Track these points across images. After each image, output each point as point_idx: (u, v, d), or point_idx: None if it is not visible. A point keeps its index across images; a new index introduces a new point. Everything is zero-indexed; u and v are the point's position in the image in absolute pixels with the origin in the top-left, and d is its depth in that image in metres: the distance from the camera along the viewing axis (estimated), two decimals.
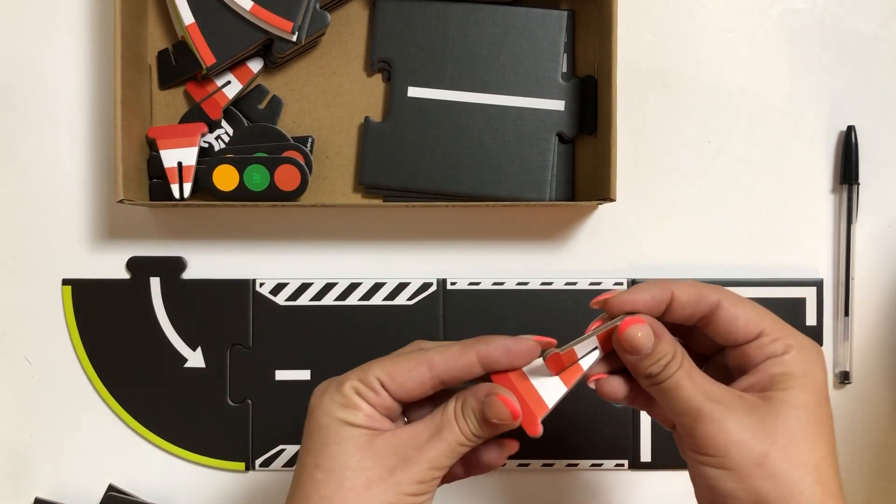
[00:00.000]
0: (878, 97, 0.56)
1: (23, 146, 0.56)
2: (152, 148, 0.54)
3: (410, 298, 0.55)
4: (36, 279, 0.56)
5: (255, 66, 0.54)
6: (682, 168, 0.57)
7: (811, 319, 0.56)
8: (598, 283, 0.56)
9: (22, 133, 0.56)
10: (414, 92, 0.54)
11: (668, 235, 0.57)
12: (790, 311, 0.55)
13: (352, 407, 0.39)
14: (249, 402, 0.55)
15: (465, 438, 0.39)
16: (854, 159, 0.56)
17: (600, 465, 0.56)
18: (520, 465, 0.55)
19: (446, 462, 0.39)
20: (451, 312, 0.55)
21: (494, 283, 0.56)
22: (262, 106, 0.55)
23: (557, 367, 0.40)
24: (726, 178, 0.57)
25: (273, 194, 0.53)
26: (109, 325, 0.55)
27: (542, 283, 0.56)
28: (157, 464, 0.56)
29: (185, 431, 0.55)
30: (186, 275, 0.56)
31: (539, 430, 0.39)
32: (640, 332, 0.38)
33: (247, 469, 0.56)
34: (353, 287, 0.55)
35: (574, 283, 0.56)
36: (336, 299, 0.55)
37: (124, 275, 0.56)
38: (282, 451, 0.55)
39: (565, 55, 0.54)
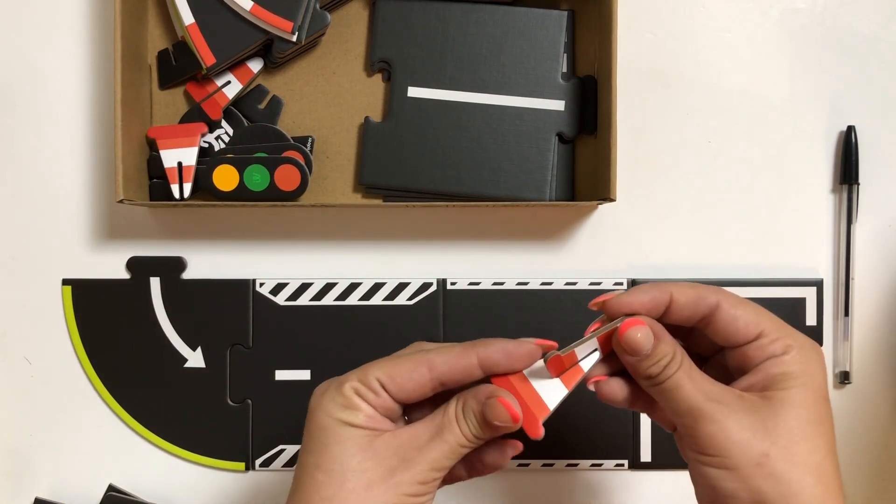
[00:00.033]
0: (878, 97, 0.56)
1: (23, 146, 0.56)
2: (152, 148, 0.54)
3: (410, 298, 0.55)
4: (36, 279, 0.56)
5: (255, 66, 0.54)
6: (682, 168, 0.57)
7: (811, 319, 0.56)
8: (598, 283, 0.56)
9: (22, 133, 0.56)
10: (414, 92, 0.54)
11: (668, 235, 0.57)
12: (790, 311, 0.55)
13: (352, 408, 0.39)
14: (249, 402, 0.55)
15: (466, 440, 0.39)
16: (854, 159, 0.56)
17: (600, 465, 0.56)
18: (520, 465, 0.55)
19: (447, 463, 0.39)
20: (451, 312, 0.55)
21: (494, 283, 0.56)
22: (262, 106, 0.55)
23: (558, 369, 0.40)
24: (726, 178, 0.57)
25: (273, 194, 0.53)
26: (109, 325, 0.55)
27: (542, 283, 0.56)
28: (157, 464, 0.56)
29: (185, 431, 0.55)
30: (186, 275, 0.56)
31: (540, 433, 0.39)
32: (640, 334, 0.38)
33: (247, 469, 0.56)
34: (353, 287, 0.55)
35: (574, 283, 0.56)
36: (336, 299, 0.55)
37: (124, 275, 0.56)
38: (282, 451, 0.55)
39: (565, 55, 0.54)
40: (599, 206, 0.56)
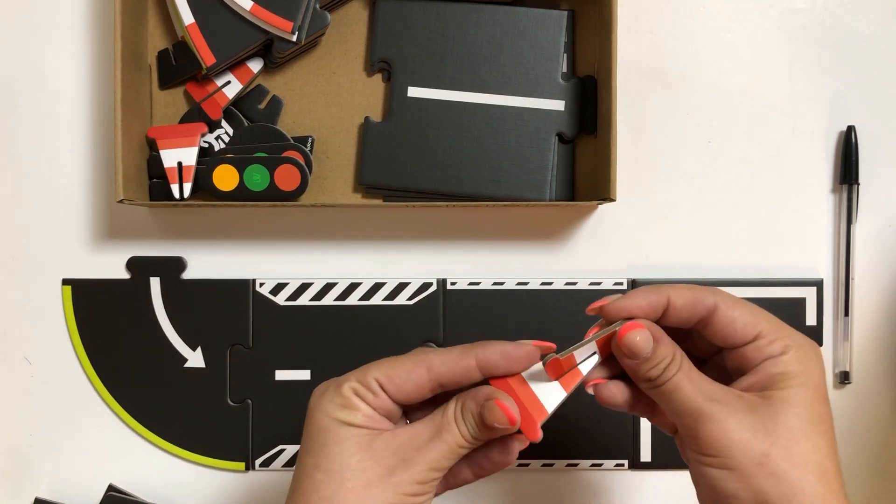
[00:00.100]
0: (878, 97, 0.56)
1: (23, 146, 0.56)
2: (152, 148, 0.54)
3: (410, 298, 0.55)
4: (36, 279, 0.56)
5: (255, 66, 0.54)
6: (682, 168, 0.57)
7: (811, 319, 0.56)
8: (598, 283, 0.56)
9: (22, 133, 0.56)
10: (414, 92, 0.54)
11: (668, 235, 0.57)
12: (790, 311, 0.55)
13: (350, 408, 0.39)
14: (249, 402, 0.55)
15: (464, 440, 0.39)
16: (854, 159, 0.56)
17: (600, 465, 0.56)
18: (520, 465, 0.55)
19: (446, 463, 0.39)
20: (451, 312, 0.55)
21: (494, 283, 0.56)
22: (262, 106, 0.55)
23: (557, 372, 0.40)
24: (726, 178, 0.57)
25: (273, 194, 0.53)
26: (109, 325, 0.55)
27: (542, 283, 0.56)
28: (157, 464, 0.56)
29: (185, 431, 0.55)
30: (186, 275, 0.56)
31: (539, 436, 0.39)
32: (640, 337, 0.38)
33: (247, 469, 0.56)
34: (353, 287, 0.55)
35: (574, 283, 0.56)
36: (336, 299, 0.55)
37: (124, 275, 0.56)
38: (282, 451, 0.55)
39: (565, 55, 0.54)
40: (599, 206, 0.56)
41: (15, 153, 0.56)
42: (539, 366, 0.40)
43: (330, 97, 0.55)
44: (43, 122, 0.56)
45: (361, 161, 0.55)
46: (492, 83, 0.54)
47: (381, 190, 0.55)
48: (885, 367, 0.57)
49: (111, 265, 0.56)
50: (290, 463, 0.55)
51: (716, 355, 0.42)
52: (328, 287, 0.55)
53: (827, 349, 0.56)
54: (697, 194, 0.57)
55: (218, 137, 0.55)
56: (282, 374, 0.55)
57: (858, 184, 0.56)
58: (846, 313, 0.56)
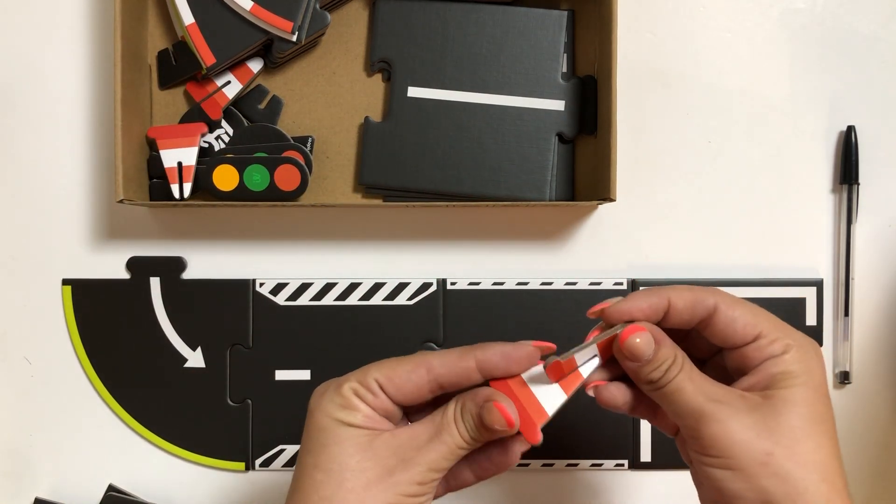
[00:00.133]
0: (878, 97, 0.56)
1: (23, 146, 0.56)
2: (152, 148, 0.54)
3: (410, 298, 0.55)
4: (36, 279, 0.56)
5: (255, 66, 0.54)
6: (682, 168, 0.57)
7: (811, 319, 0.56)
8: (598, 283, 0.56)
9: (22, 133, 0.56)
10: (414, 92, 0.54)
11: (668, 235, 0.57)
12: (790, 311, 0.55)
13: (350, 408, 0.39)
14: (249, 402, 0.55)
15: (464, 441, 0.39)
16: (854, 159, 0.56)
17: (600, 465, 0.56)
18: (520, 465, 0.55)
19: (445, 464, 0.39)
20: (451, 312, 0.55)
21: (494, 283, 0.56)
22: (262, 106, 0.55)
23: (557, 374, 0.39)
24: (726, 178, 0.57)
25: (273, 194, 0.53)
26: (109, 325, 0.55)
27: (542, 283, 0.56)
28: (157, 464, 0.56)
29: (185, 431, 0.55)
30: (186, 275, 0.56)
31: (538, 438, 0.39)
32: (641, 340, 0.38)
33: (247, 469, 0.56)
34: (353, 287, 0.55)
35: (574, 283, 0.56)
36: (336, 299, 0.55)
37: (124, 275, 0.56)
38: (282, 451, 0.55)
39: (565, 55, 0.54)
40: (599, 206, 0.56)
41: (15, 153, 0.56)
42: (539, 368, 0.40)
43: (330, 97, 0.55)
44: (43, 122, 0.56)
45: (361, 161, 0.55)
46: (492, 83, 0.54)
47: (381, 190, 0.55)
48: (885, 367, 0.57)
49: (111, 265, 0.56)
50: (290, 463, 0.55)
51: (715, 356, 0.42)
52: (328, 287, 0.55)
53: (827, 349, 0.56)
54: (697, 194, 0.57)
55: (218, 137, 0.55)
56: (282, 374, 0.55)
57: (858, 184, 0.56)
58: (846, 313, 0.56)
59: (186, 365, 0.55)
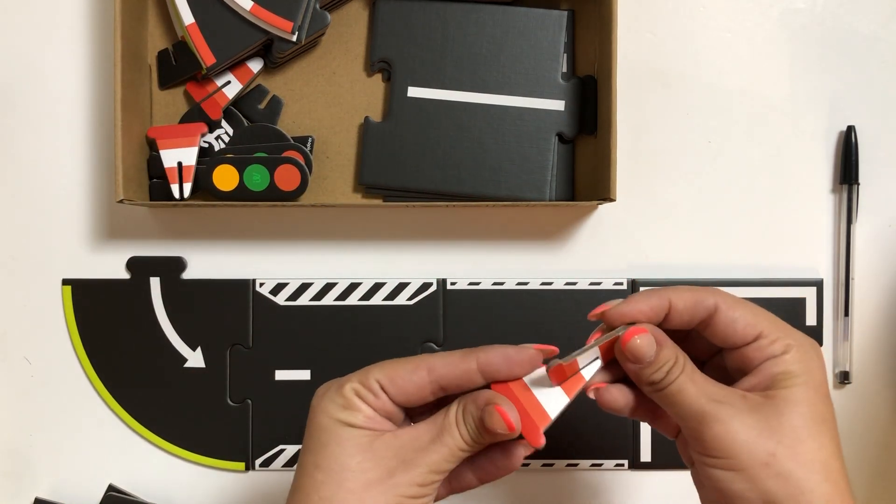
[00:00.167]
0: (878, 97, 0.56)
1: (23, 146, 0.56)
2: (152, 148, 0.54)
3: (410, 298, 0.55)
4: (36, 279, 0.56)
5: (255, 66, 0.54)
6: (682, 168, 0.57)
7: (811, 319, 0.56)
8: (598, 283, 0.56)
9: (22, 133, 0.56)
10: (414, 92, 0.54)
11: (668, 235, 0.57)
12: (790, 311, 0.55)
13: (351, 408, 0.39)
14: (249, 402, 0.55)
15: (465, 444, 0.38)
16: (854, 159, 0.56)
17: (600, 465, 0.56)
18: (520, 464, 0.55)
19: (446, 466, 0.38)
20: (451, 312, 0.55)
21: (494, 283, 0.56)
22: (262, 106, 0.55)
23: (560, 377, 0.39)
24: (726, 178, 0.57)
25: (273, 194, 0.53)
26: (109, 325, 0.55)
27: (542, 283, 0.56)
28: (157, 464, 0.56)
29: (185, 431, 0.55)
30: (186, 275, 0.56)
31: (541, 442, 0.39)
32: (643, 341, 0.38)
33: (247, 469, 0.56)
34: (353, 287, 0.55)
35: (574, 283, 0.56)
36: (336, 299, 0.55)
37: (124, 275, 0.56)
38: (282, 451, 0.55)
39: (565, 55, 0.54)
40: (599, 206, 0.56)
41: (15, 153, 0.56)
42: (542, 371, 0.40)
43: (330, 97, 0.55)
44: (43, 122, 0.56)
45: (361, 161, 0.55)
46: (492, 83, 0.54)
47: (381, 190, 0.55)
48: (885, 367, 0.57)
49: (111, 265, 0.56)
50: (290, 463, 0.55)
51: (715, 356, 0.42)
52: (328, 287, 0.55)
53: (827, 349, 0.56)
54: (697, 194, 0.57)
55: (218, 137, 0.55)
56: (282, 374, 0.55)
57: (858, 184, 0.56)
58: (846, 313, 0.56)
59: (186, 365, 0.55)
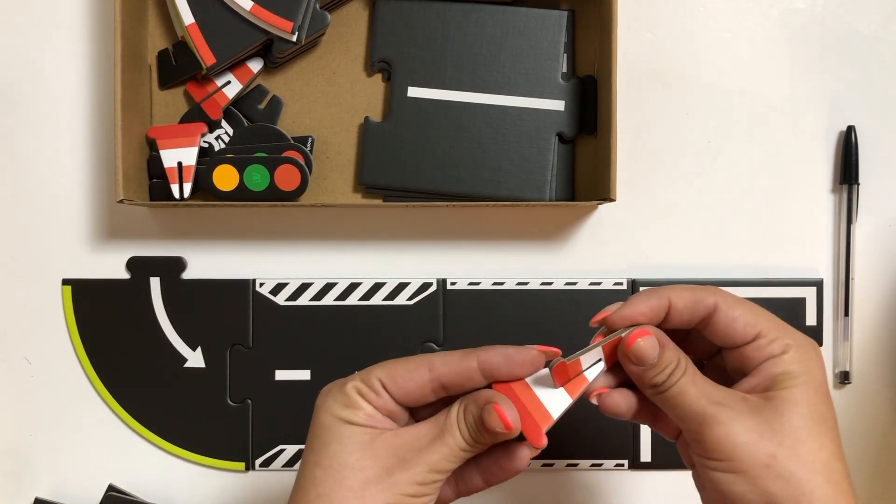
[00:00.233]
0: (878, 97, 0.56)
1: (23, 146, 0.56)
2: (152, 148, 0.54)
3: (410, 298, 0.55)
4: (36, 279, 0.56)
5: (255, 66, 0.54)
6: (682, 168, 0.57)
7: (811, 319, 0.56)
8: (598, 283, 0.56)
9: (22, 133, 0.56)
10: (414, 92, 0.54)
11: (668, 235, 0.57)
12: (790, 311, 0.55)
13: (353, 406, 0.39)
14: (249, 402, 0.55)
15: (466, 443, 0.38)
16: (854, 159, 0.56)
17: (600, 465, 0.56)
18: None
19: (447, 466, 0.38)
20: (451, 312, 0.55)
21: (494, 283, 0.56)
22: (262, 106, 0.55)
23: (562, 377, 0.39)
24: (726, 178, 0.57)
25: (273, 194, 0.53)
26: (109, 325, 0.55)
27: (542, 283, 0.56)
28: (157, 464, 0.56)
29: (185, 431, 0.55)
30: (186, 275, 0.56)
31: (543, 442, 0.39)
32: (647, 343, 0.38)
33: (247, 469, 0.56)
34: (353, 287, 0.55)
35: (574, 283, 0.56)
36: (336, 299, 0.55)
37: (124, 275, 0.56)
38: (282, 451, 0.55)
39: (565, 55, 0.54)
40: (599, 206, 0.56)
41: (15, 153, 0.56)
42: (545, 371, 0.39)
43: (330, 97, 0.55)
44: (43, 122, 0.56)
45: (361, 161, 0.55)
46: (492, 83, 0.54)
47: (381, 190, 0.55)
48: (885, 367, 0.57)
49: (111, 265, 0.56)
50: (290, 463, 0.55)
51: (715, 356, 0.42)
52: (328, 287, 0.55)
53: (827, 349, 0.56)
54: (697, 194, 0.57)
55: (218, 137, 0.55)
56: (282, 374, 0.55)
57: (858, 184, 0.56)
58: (846, 313, 0.56)
59: (186, 365, 0.55)
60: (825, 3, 0.56)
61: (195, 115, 0.55)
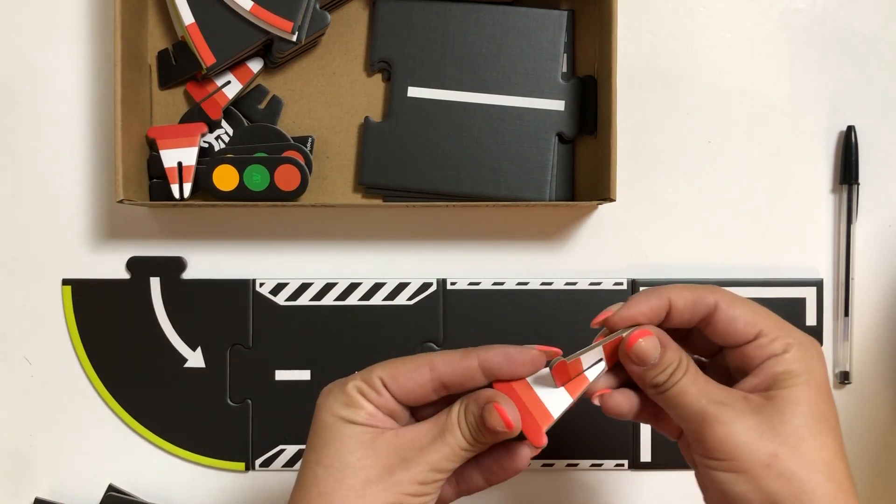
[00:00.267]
0: (878, 97, 0.56)
1: (23, 146, 0.56)
2: (152, 148, 0.54)
3: (410, 298, 0.55)
4: (36, 279, 0.56)
5: (255, 66, 0.54)
6: (682, 168, 0.57)
7: (811, 319, 0.56)
8: (598, 283, 0.56)
9: (22, 133, 0.56)
10: (414, 92, 0.54)
11: (668, 235, 0.57)
12: (790, 311, 0.55)
13: (354, 406, 0.39)
14: (249, 402, 0.55)
15: (467, 443, 0.38)
16: (854, 159, 0.56)
17: (600, 465, 0.56)
18: None
19: (448, 465, 0.38)
20: (451, 312, 0.55)
21: (494, 283, 0.56)
22: (262, 106, 0.55)
23: (563, 377, 0.39)
24: (726, 178, 0.57)
25: (273, 194, 0.53)
26: (109, 325, 0.55)
27: (542, 283, 0.56)
28: (157, 464, 0.56)
29: (185, 431, 0.55)
30: (186, 275, 0.56)
31: (543, 442, 0.39)
32: (648, 343, 0.38)
33: (247, 469, 0.56)
34: (353, 287, 0.55)
35: (574, 283, 0.56)
36: (336, 299, 0.55)
37: (124, 275, 0.56)
38: (282, 451, 0.55)
39: (565, 55, 0.54)
40: (599, 206, 0.56)
41: (15, 153, 0.56)
42: (545, 371, 0.40)
43: (330, 97, 0.55)
44: (43, 122, 0.56)
45: (361, 161, 0.55)
46: (492, 83, 0.54)
47: (381, 190, 0.55)
48: (885, 367, 0.57)
49: (111, 265, 0.56)
50: (290, 463, 0.55)
51: (716, 355, 0.42)
52: (328, 287, 0.55)
53: (827, 349, 0.56)
54: (697, 194, 0.57)
55: (218, 137, 0.55)
56: (282, 374, 0.55)
57: (858, 184, 0.56)
58: (846, 313, 0.56)
59: (186, 365, 0.55)
60: (825, 3, 0.56)
61: (195, 115, 0.55)
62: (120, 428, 0.56)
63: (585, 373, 0.40)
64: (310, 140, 0.55)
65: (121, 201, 0.50)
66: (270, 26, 0.52)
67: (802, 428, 0.37)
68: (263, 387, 0.55)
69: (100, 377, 0.55)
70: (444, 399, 0.40)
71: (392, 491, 0.37)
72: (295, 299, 0.55)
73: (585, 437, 0.55)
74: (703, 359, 0.43)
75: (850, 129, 0.56)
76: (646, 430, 0.56)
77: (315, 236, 0.56)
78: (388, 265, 0.56)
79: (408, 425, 0.40)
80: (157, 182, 0.54)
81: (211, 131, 0.55)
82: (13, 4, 0.56)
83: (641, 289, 0.55)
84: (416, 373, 0.39)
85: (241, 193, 0.53)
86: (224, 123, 0.55)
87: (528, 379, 0.40)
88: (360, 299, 0.55)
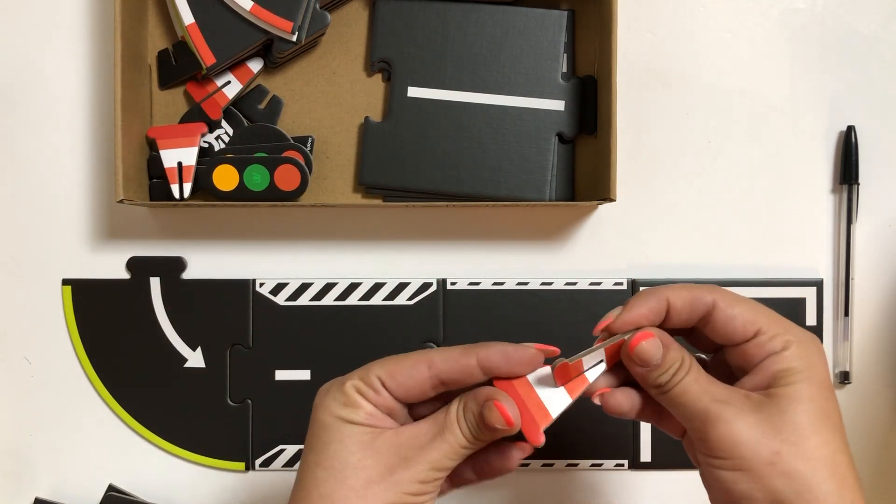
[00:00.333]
0: (878, 97, 0.56)
1: (23, 146, 0.56)
2: (152, 148, 0.54)
3: (410, 298, 0.55)
4: (36, 279, 0.56)
5: (255, 66, 0.54)
6: (682, 168, 0.57)
7: (811, 319, 0.56)
8: (598, 283, 0.56)
9: (22, 133, 0.56)
10: (414, 92, 0.54)
11: (668, 235, 0.57)
12: (790, 311, 0.55)
13: (353, 405, 0.39)
14: (249, 402, 0.55)
15: (466, 441, 0.38)
16: (854, 159, 0.56)
17: (600, 465, 0.56)
18: (520, 464, 0.55)
19: (448, 463, 0.38)
20: (451, 312, 0.55)
21: (494, 283, 0.56)
22: (262, 106, 0.55)
23: (564, 377, 0.39)
24: (726, 178, 0.57)
25: (273, 194, 0.53)
26: (109, 325, 0.55)
27: (542, 283, 0.56)
28: (157, 464, 0.56)
29: (185, 431, 0.55)
30: (186, 275, 0.56)
31: (541, 440, 0.39)
32: (651, 345, 0.38)
33: (247, 469, 0.56)
34: (353, 287, 0.55)
35: (574, 283, 0.56)
36: (336, 299, 0.55)
37: (124, 275, 0.56)
38: (282, 451, 0.55)
39: (565, 55, 0.54)
40: (599, 206, 0.56)
41: (15, 153, 0.56)
42: (546, 370, 0.40)
43: (330, 97, 0.55)
44: (43, 122, 0.56)
45: (361, 161, 0.55)
46: (492, 83, 0.54)
47: (381, 190, 0.55)
48: (885, 367, 0.57)
49: (111, 265, 0.56)
50: (290, 463, 0.55)
51: (717, 353, 0.42)
52: (328, 287, 0.55)
53: (827, 349, 0.56)
54: (697, 194, 0.57)
55: (218, 137, 0.55)
56: (282, 374, 0.55)
57: (858, 184, 0.56)
58: (846, 313, 0.56)
59: (186, 365, 0.55)
60: (825, 3, 0.57)
61: (195, 115, 0.55)
62: (120, 428, 0.56)
63: (586, 374, 0.40)
64: (310, 140, 0.55)
65: (121, 201, 0.50)
66: (270, 26, 0.52)
67: (804, 425, 0.36)
68: (263, 387, 0.55)
69: (100, 377, 0.55)
70: (441, 395, 0.40)
71: (393, 490, 0.37)
72: (295, 299, 0.55)
73: (585, 436, 0.55)
74: (704, 357, 0.43)
75: (850, 129, 0.56)
76: (646, 430, 0.56)
77: (315, 236, 0.56)
78: (388, 265, 0.56)
79: (406, 424, 0.40)
80: (157, 182, 0.54)
81: (211, 131, 0.55)
82: (13, 4, 0.56)
83: (641, 289, 0.55)
84: (415, 370, 0.39)
85: (241, 193, 0.53)
86: (224, 123, 0.55)
87: (529, 377, 0.40)
88: (360, 299, 0.55)
